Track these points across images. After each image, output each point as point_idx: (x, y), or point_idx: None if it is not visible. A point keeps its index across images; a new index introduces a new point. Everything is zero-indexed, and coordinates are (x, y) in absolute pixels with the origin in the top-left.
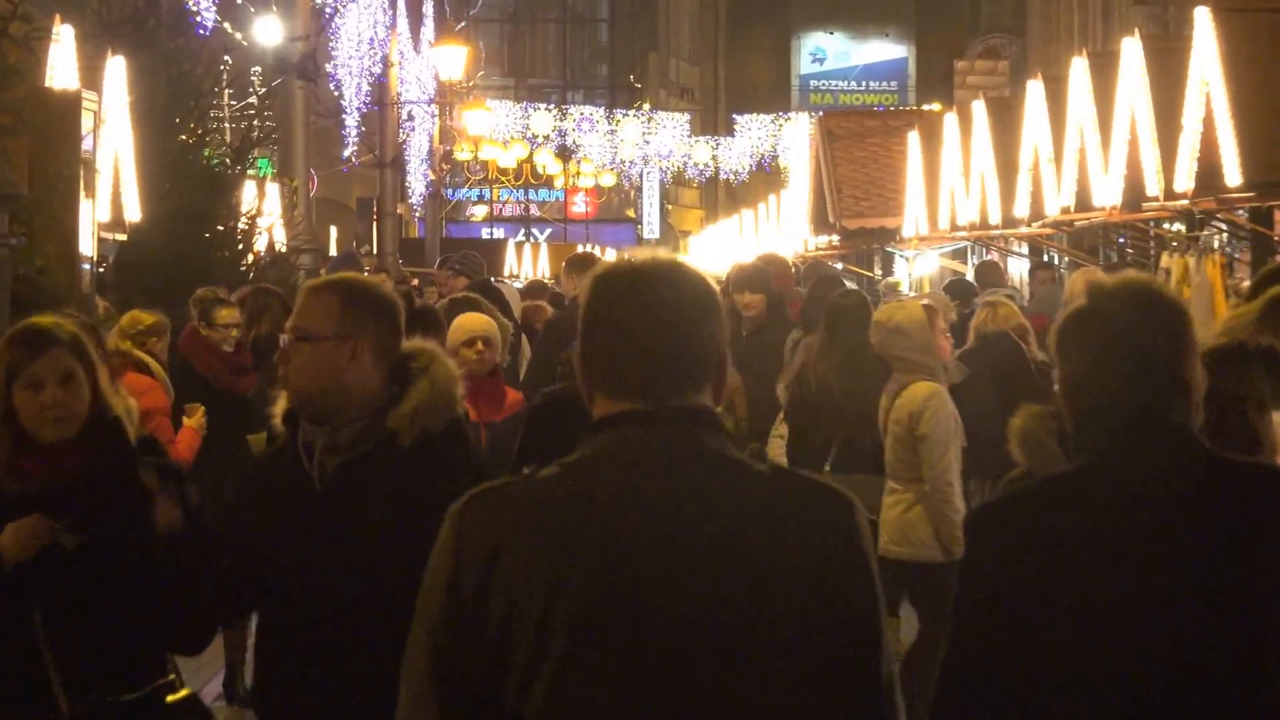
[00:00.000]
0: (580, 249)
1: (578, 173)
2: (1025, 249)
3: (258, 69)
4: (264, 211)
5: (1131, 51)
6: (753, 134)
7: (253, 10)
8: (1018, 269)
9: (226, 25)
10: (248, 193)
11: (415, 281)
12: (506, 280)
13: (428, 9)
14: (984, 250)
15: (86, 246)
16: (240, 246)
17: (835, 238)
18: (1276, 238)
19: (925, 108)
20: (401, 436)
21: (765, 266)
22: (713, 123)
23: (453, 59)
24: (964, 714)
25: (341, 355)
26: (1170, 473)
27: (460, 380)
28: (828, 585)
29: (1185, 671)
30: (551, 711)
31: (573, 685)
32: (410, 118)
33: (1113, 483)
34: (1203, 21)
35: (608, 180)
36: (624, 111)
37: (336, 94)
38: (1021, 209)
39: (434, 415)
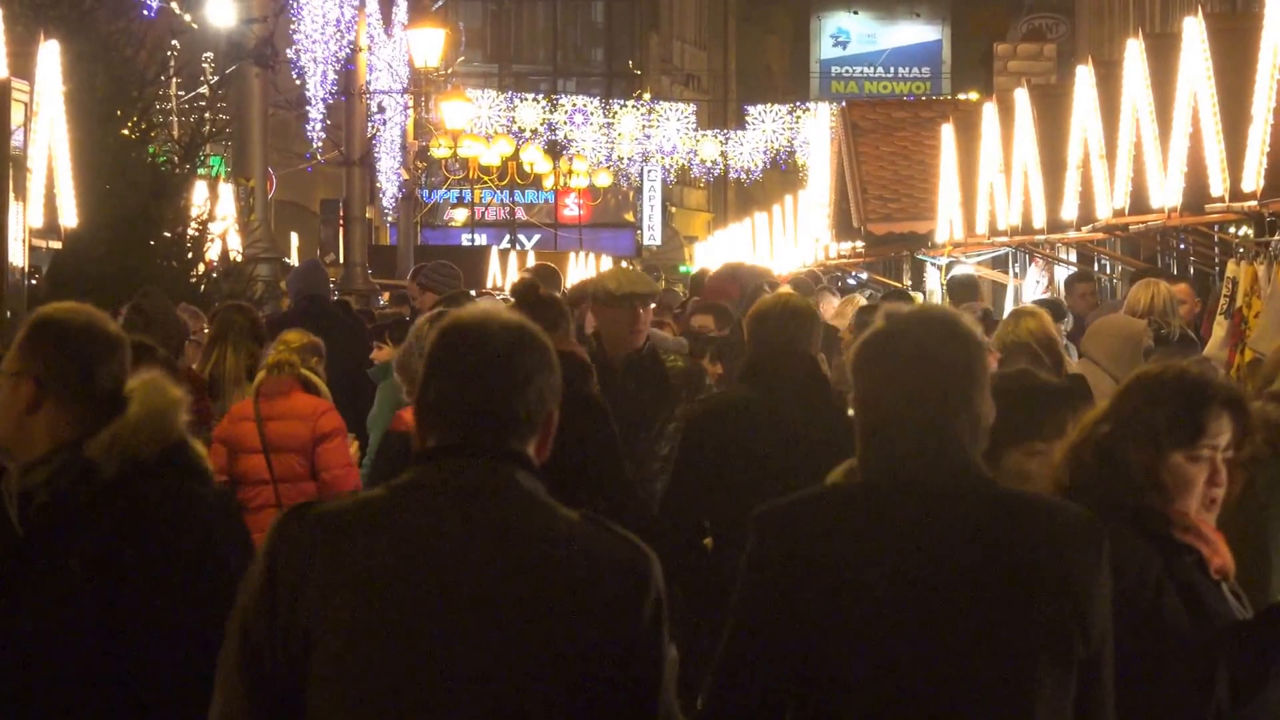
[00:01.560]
0: (573, 256)
1: (569, 171)
2: (1074, 256)
3: (209, 55)
4: (216, 216)
5: (1194, 32)
6: (767, 127)
7: None
8: (1064, 280)
9: (174, 5)
10: (198, 194)
11: (387, 296)
12: (490, 293)
13: None
14: (1027, 258)
15: (16, 255)
16: (190, 255)
17: (860, 244)
18: None
19: (961, 97)
20: (101, 467)
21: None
22: (722, 114)
23: (429, 42)
24: (737, 711)
25: (21, 392)
26: (947, 497)
27: (183, 404)
28: (605, 636)
29: (941, 690)
30: None
31: (329, 706)
32: (381, 109)
33: (891, 501)
34: None
35: (603, 180)
36: (621, 102)
37: (298, 83)
38: (1069, 211)
39: (140, 441)
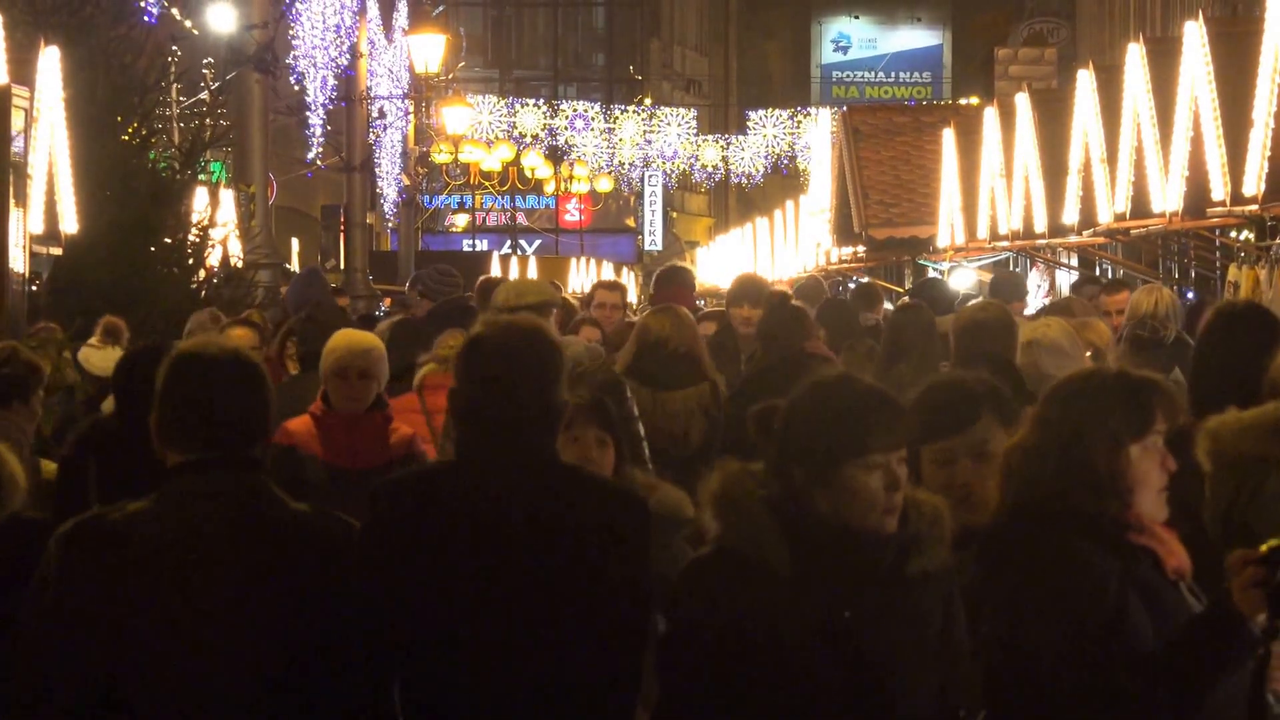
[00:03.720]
0: (574, 262)
1: (570, 177)
2: (1075, 260)
3: (209, 61)
4: (217, 222)
5: (1194, 36)
6: (768, 132)
7: None
8: (1066, 284)
9: (174, 11)
10: (199, 200)
11: (388, 302)
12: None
13: None
14: (1028, 262)
15: (17, 262)
16: (190, 261)
17: (861, 249)
18: None
19: (962, 101)
20: None
21: (763, 280)
22: (723, 119)
23: (429, 48)
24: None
25: None
26: (517, 476)
27: (21, 485)
28: (322, 591)
29: (519, 649)
30: None
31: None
32: (382, 115)
33: (473, 479)
34: (1275, 1)
35: (604, 185)
36: (623, 107)
37: (298, 89)
38: (1070, 216)
39: None
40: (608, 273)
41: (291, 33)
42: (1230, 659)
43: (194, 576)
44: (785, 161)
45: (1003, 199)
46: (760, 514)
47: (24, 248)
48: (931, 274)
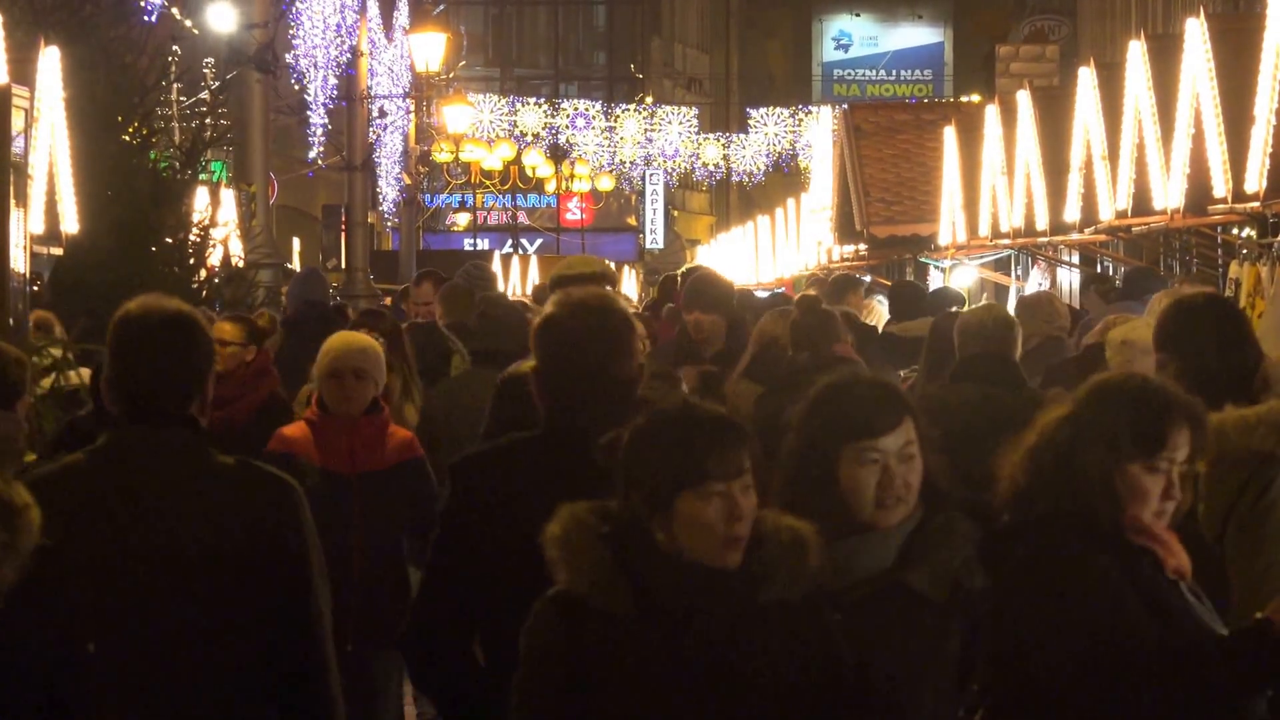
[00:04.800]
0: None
1: (572, 175)
2: (1076, 258)
3: (210, 60)
4: (218, 221)
5: (1196, 33)
6: (769, 130)
7: None
8: (1067, 281)
9: (174, 11)
10: (199, 200)
11: (389, 301)
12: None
13: None
14: (1029, 260)
15: (18, 262)
16: (191, 261)
17: (862, 247)
18: None
19: (963, 99)
20: None
21: (721, 279)
22: (724, 118)
23: (430, 47)
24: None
25: None
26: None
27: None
28: (260, 541)
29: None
30: None
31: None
32: (382, 114)
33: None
34: None
35: (606, 184)
36: (624, 106)
37: (299, 88)
38: (1072, 213)
39: None
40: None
41: (292, 32)
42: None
43: (130, 526)
44: (786, 160)
45: (1004, 196)
46: (598, 553)
47: (24, 248)
48: (934, 272)
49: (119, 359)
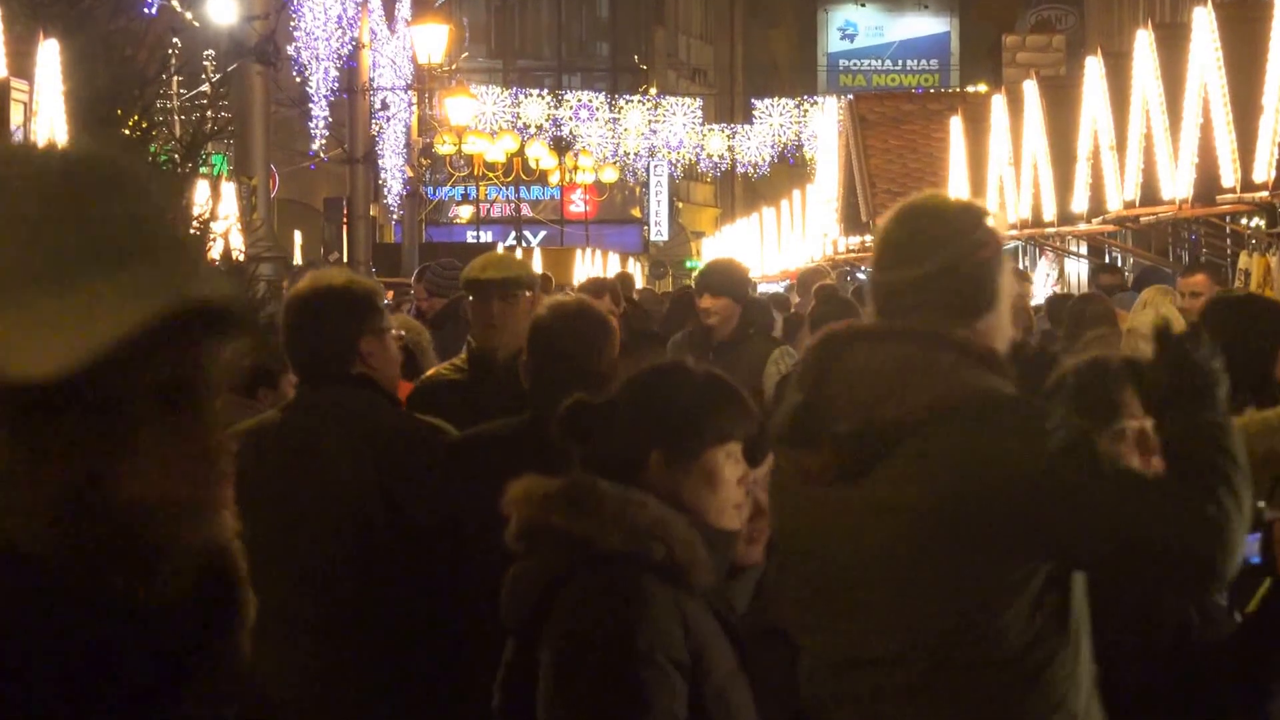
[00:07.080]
0: (579, 253)
1: (575, 167)
2: (1084, 249)
3: (210, 53)
4: (219, 215)
5: (1204, 22)
6: (774, 121)
7: None
8: (1076, 272)
9: (175, 3)
10: (200, 193)
11: (390, 294)
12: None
13: None
14: (1037, 251)
15: None
16: None
17: (868, 238)
18: None
19: (970, 89)
20: None
21: (733, 264)
22: (729, 108)
23: (432, 39)
24: None
25: None
26: None
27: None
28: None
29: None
30: None
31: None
32: (384, 106)
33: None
34: None
35: (609, 175)
36: (628, 97)
37: (300, 80)
38: (1080, 203)
39: None
40: (614, 264)
41: (293, 24)
42: None
43: (311, 465)
44: (792, 151)
45: (1011, 187)
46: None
47: None
48: None
49: (283, 330)
